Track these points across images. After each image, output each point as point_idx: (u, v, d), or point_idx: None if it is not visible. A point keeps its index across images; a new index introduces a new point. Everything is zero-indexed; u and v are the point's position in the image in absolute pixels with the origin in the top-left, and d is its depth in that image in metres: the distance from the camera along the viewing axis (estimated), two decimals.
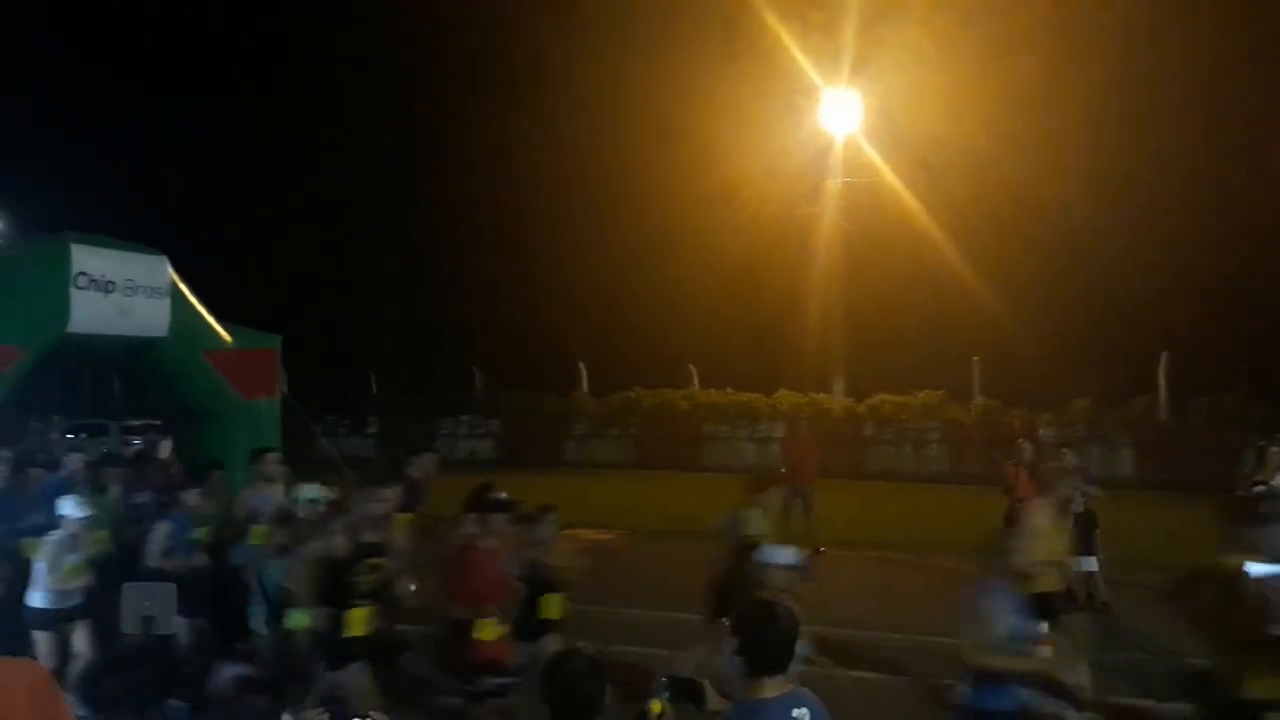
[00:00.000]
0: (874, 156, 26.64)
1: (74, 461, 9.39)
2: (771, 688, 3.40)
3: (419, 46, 37.05)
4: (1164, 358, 21.80)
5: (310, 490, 7.14)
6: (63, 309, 8.02)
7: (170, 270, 9.07)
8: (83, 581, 7.03)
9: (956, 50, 25.60)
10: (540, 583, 6.42)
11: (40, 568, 6.93)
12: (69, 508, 7.06)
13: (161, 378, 9.61)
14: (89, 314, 8.20)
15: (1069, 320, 24.50)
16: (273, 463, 8.44)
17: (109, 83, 39.21)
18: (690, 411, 26.44)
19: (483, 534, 6.30)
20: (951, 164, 25.83)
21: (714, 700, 3.64)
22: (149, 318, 8.79)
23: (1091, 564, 10.44)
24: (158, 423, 19.60)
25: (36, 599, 6.95)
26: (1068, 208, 25.17)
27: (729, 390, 26.55)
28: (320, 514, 6.69)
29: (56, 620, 6.99)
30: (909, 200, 26.63)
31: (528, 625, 6.28)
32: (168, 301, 8.97)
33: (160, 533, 7.46)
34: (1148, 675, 7.84)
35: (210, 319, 9.76)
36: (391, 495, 7.01)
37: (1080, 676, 7.98)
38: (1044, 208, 25.57)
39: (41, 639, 6.94)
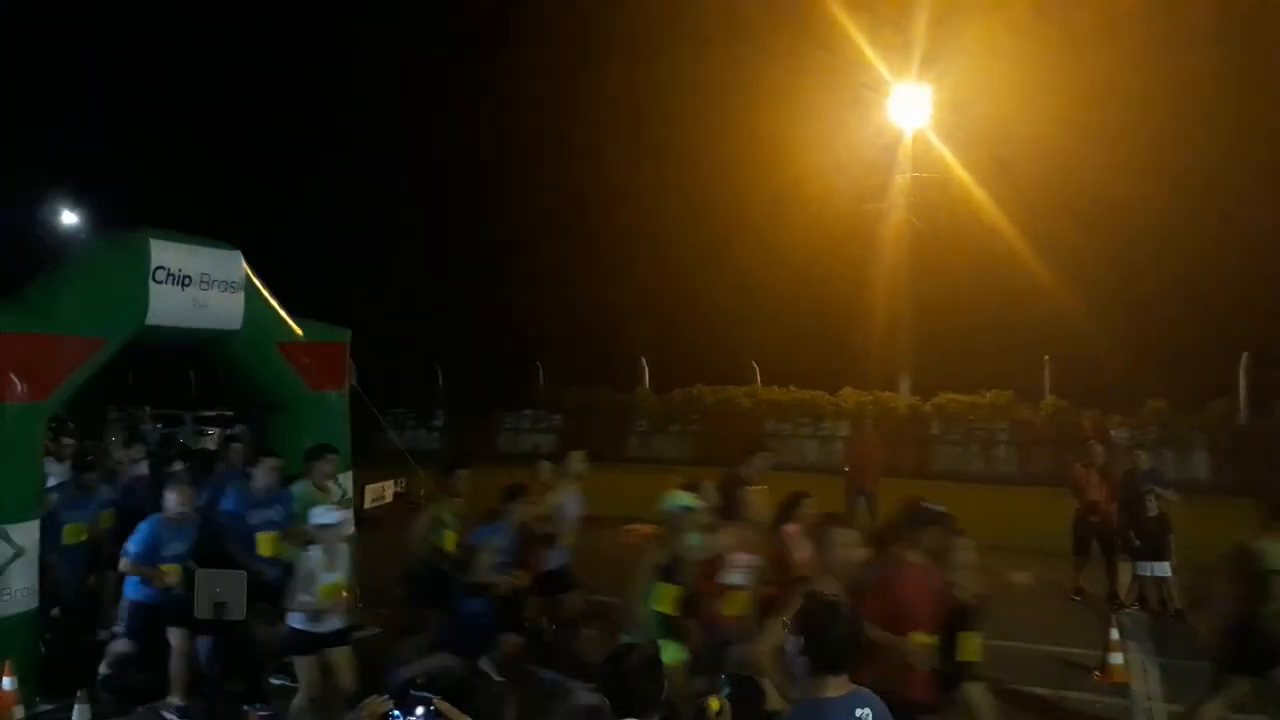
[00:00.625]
0: (944, 151, 26.21)
1: (236, 454, 9.59)
2: (835, 687, 3.37)
3: (487, 41, 37.31)
4: (1244, 358, 21.15)
5: (682, 498, 6.62)
6: (142, 302, 8.23)
7: (244, 265, 9.26)
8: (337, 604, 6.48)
9: (1031, 42, 25.02)
10: (956, 615, 5.58)
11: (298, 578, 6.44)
12: (323, 515, 6.55)
13: (235, 370, 9.81)
14: (166, 307, 8.40)
15: (1145, 319, 23.69)
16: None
17: (181, 78, 40.25)
18: (752, 408, 26.32)
19: (913, 550, 5.37)
20: (1025, 159, 25.28)
21: (774, 699, 3.62)
22: (224, 311, 8.99)
23: (1165, 569, 10.18)
24: (230, 414, 20.04)
25: (295, 619, 6.50)
26: (1146, 203, 24.27)
27: (792, 388, 26.37)
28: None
29: (314, 644, 6.55)
30: (980, 195, 26.13)
31: (942, 666, 5.35)
32: (242, 295, 9.16)
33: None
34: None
35: (282, 313, 9.95)
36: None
37: (1151, 682, 7.80)
38: (1121, 203, 24.72)
39: (302, 664, 6.56)
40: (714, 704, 3.48)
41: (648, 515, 7.01)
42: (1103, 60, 24.87)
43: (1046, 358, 23.80)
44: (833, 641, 3.37)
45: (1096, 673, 8.22)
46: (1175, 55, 24.46)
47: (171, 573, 7.24)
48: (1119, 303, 24.33)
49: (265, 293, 9.70)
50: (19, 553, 7.33)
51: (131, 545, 7.36)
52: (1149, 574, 10.18)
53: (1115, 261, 25.18)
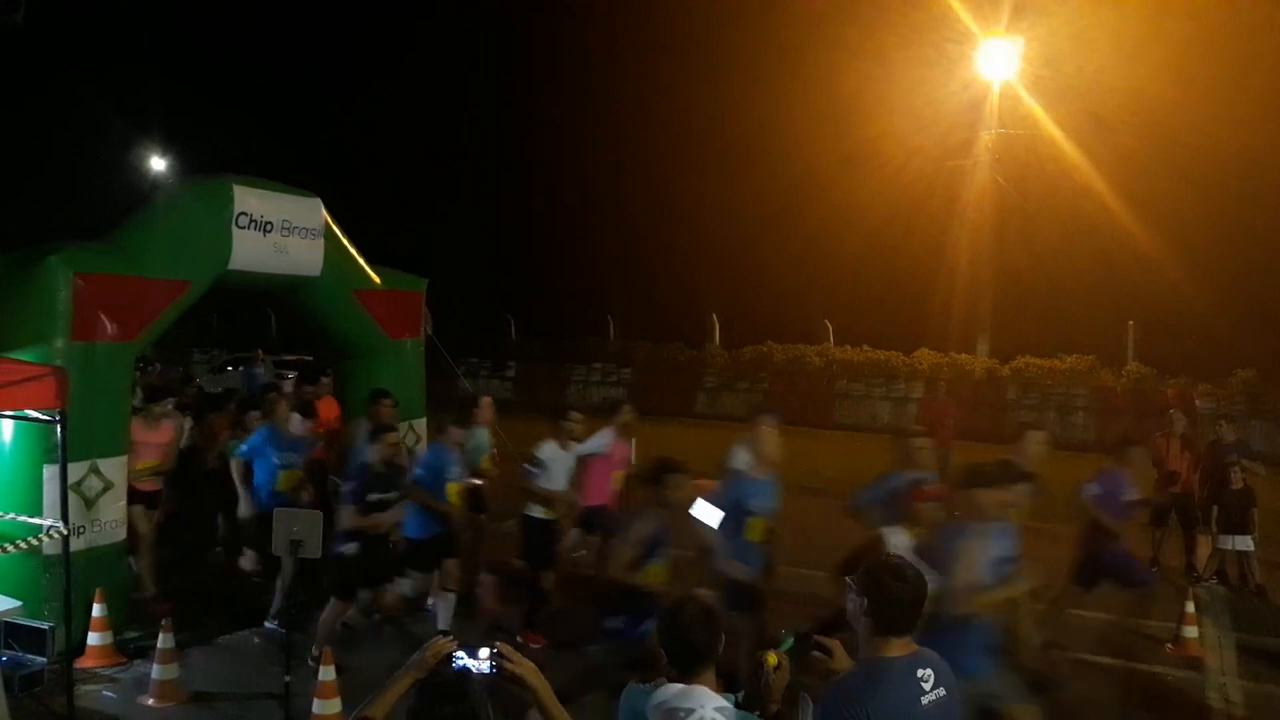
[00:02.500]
0: (1034, 106, 25.31)
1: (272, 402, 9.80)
2: (898, 647, 3.37)
3: (569, 5, 37.02)
4: None
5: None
6: (225, 247, 8.42)
7: (324, 212, 9.41)
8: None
9: None
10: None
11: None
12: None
13: (314, 315, 10.01)
14: (248, 252, 8.58)
15: (1240, 285, 22.73)
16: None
17: (267, 31, 40.78)
18: (823, 368, 26.09)
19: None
20: (1122, 114, 24.27)
21: (841, 659, 3.61)
22: (304, 257, 9.16)
23: (1247, 543, 9.93)
24: (309, 358, 20.47)
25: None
26: (1250, 161, 23.12)
27: (865, 347, 26.06)
28: None
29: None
30: (1071, 153, 25.23)
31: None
32: (321, 242, 9.31)
33: None
34: None
35: (361, 260, 10.11)
36: None
37: (1226, 658, 7.63)
38: (1223, 161, 23.44)
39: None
40: (772, 659, 3.47)
41: (712, 471, 7.01)
42: (1203, 6, 23.63)
43: (1131, 323, 23.12)
44: (896, 602, 3.36)
45: (1169, 645, 8.06)
46: None
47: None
48: (1212, 268, 23.35)
49: (345, 240, 9.85)
50: (108, 486, 7.64)
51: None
52: (1230, 547, 9.92)
53: (1212, 224, 23.96)
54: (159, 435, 8.66)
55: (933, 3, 25.21)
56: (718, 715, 2.98)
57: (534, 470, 8.06)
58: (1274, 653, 7.96)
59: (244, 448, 8.53)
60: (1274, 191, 23.23)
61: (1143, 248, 23.90)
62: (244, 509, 8.46)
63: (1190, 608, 8.19)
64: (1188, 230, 23.61)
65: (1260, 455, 11.16)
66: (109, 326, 7.63)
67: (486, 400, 9.32)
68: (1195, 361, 21.64)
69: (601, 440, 8.80)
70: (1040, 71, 25.08)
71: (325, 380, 10.37)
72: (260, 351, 23.37)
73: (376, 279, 10.26)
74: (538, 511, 8.07)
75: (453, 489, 7.83)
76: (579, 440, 8.39)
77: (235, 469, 8.49)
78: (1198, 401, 20.06)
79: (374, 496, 7.36)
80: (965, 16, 24.98)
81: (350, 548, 7.25)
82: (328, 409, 9.90)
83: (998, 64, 25.01)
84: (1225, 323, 21.51)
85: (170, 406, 9.21)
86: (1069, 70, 24.52)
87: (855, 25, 27.78)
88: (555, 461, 8.11)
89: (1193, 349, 21.76)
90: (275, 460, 8.29)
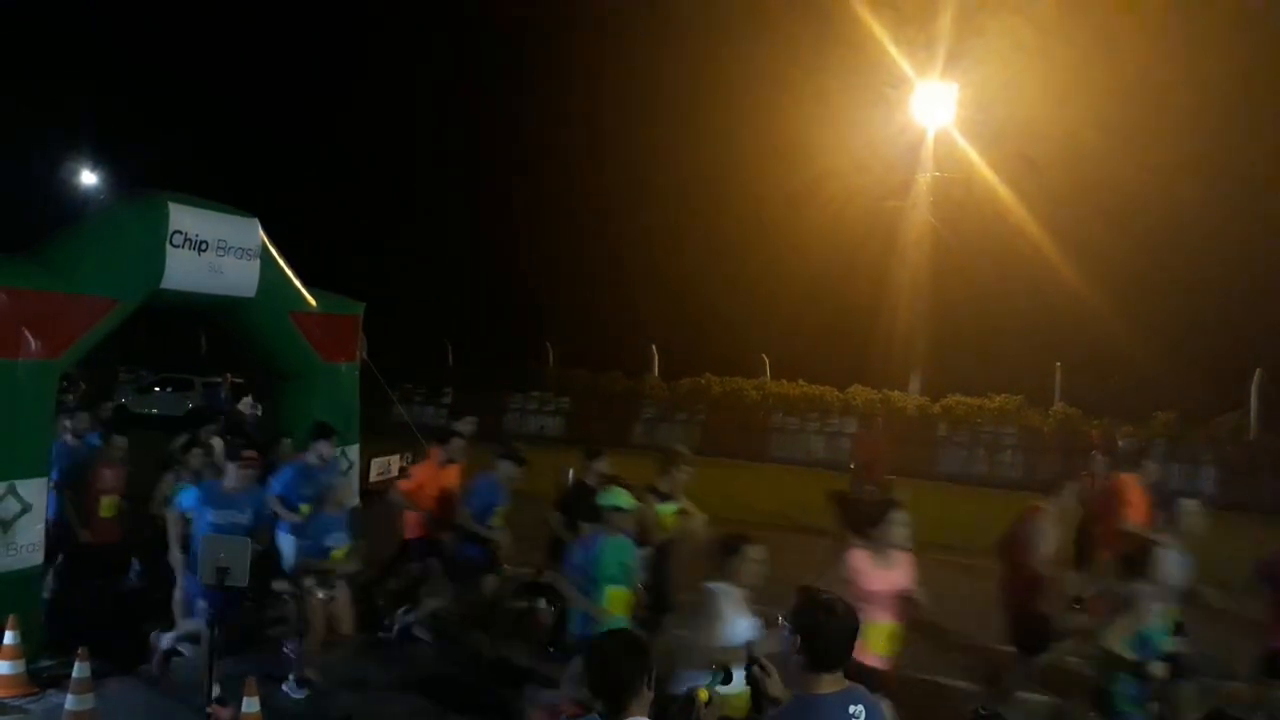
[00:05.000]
0: (968, 150, 26.02)
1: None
2: (829, 684, 3.40)
3: (509, 27, 37.15)
4: (1258, 374, 21.05)
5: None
6: (158, 265, 8.26)
7: (261, 233, 9.28)
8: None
9: (1058, 39, 24.75)
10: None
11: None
12: None
13: (247, 336, 9.86)
14: (182, 271, 8.43)
15: (1162, 329, 23.45)
16: (325, 448, 8.66)
17: (207, 48, 40.26)
18: (759, 401, 26.30)
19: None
20: (1052, 158, 25.01)
21: (777, 687, 3.64)
22: (239, 277, 9.02)
23: None
24: (240, 380, 20.07)
25: None
26: (1175, 207, 23.78)
27: (801, 382, 26.34)
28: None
29: None
30: (1004, 196, 25.96)
31: None
32: (258, 263, 9.19)
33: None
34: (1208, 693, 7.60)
35: (297, 282, 9.98)
36: None
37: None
38: (1149, 206, 24.23)
39: None
40: (703, 694, 3.49)
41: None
42: (1131, 57, 24.49)
43: (1058, 364, 23.69)
44: (828, 639, 3.40)
45: None
46: (1207, 51, 24.02)
47: None
48: (1139, 311, 24.10)
49: (281, 262, 9.73)
50: (26, 508, 7.39)
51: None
52: None
53: (1138, 268, 24.77)
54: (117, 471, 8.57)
55: (872, 47, 25.84)
56: None
57: None
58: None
59: (184, 501, 7.73)
60: (1197, 237, 24.10)
61: (1072, 289, 24.61)
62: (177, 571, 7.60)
63: None
64: (1115, 272, 24.38)
65: (1179, 496, 11.41)
66: (32, 343, 7.42)
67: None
68: (1119, 403, 22.21)
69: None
70: (974, 115, 25.80)
71: (458, 442, 9.03)
72: (229, 375, 22.20)
73: (313, 301, 10.14)
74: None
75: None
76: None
77: (171, 524, 7.65)
78: (1121, 442, 20.59)
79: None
80: (903, 62, 25.65)
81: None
82: (448, 477, 8.83)
83: (933, 109, 25.67)
84: (1149, 365, 22.15)
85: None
86: (1000, 115, 25.25)
87: (797, 67, 28.36)
88: None
89: (1117, 391, 22.33)
90: (211, 519, 7.23)
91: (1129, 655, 5.17)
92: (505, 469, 8.29)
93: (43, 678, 7.21)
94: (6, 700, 6.87)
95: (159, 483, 8.82)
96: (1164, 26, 24.62)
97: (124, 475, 8.72)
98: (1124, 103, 24.33)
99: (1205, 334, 22.98)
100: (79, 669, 6.47)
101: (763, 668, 3.71)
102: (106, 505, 8.53)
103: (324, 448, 8.56)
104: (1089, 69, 24.43)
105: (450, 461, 8.84)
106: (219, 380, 22.78)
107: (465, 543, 8.21)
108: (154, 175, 24.89)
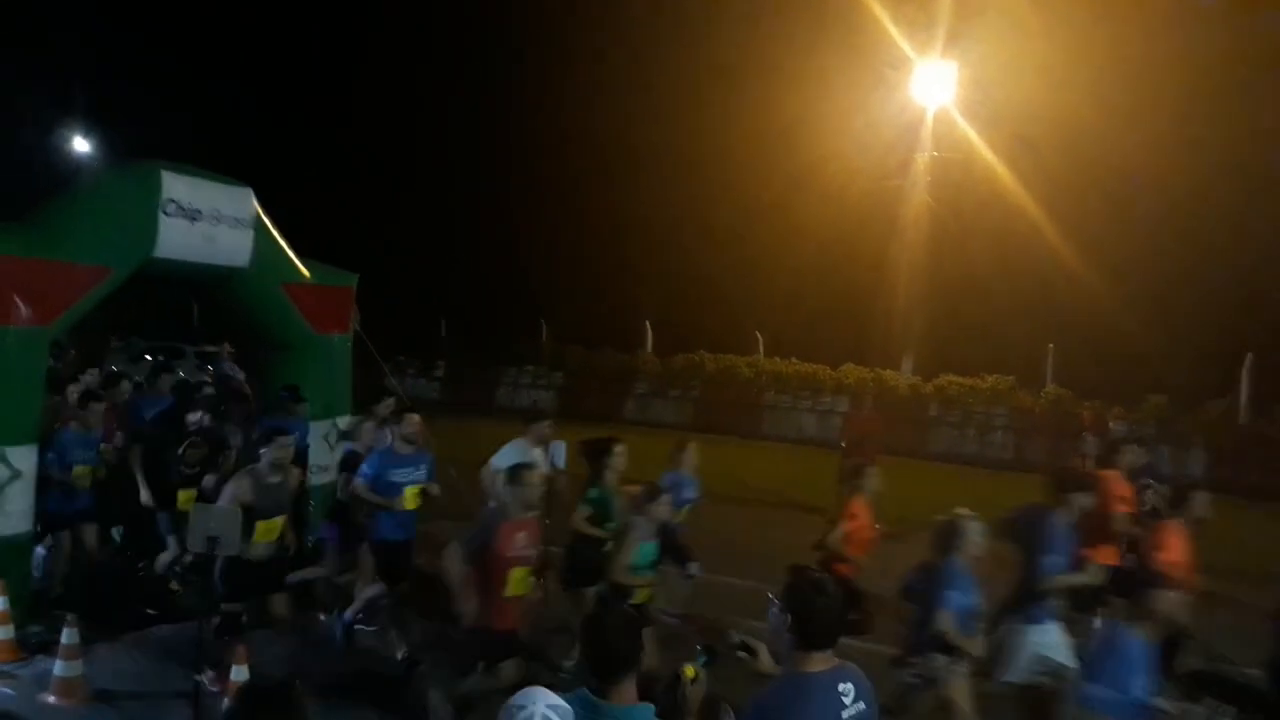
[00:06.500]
0: (968, 131, 25.89)
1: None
2: (819, 662, 3.42)
3: (502, 10, 36.81)
4: (1248, 359, 21.12)
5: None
6: (151, 234, 8.19)
7: (255, 203, 9.21)
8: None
9: (1058, 18, 24.50)
10: None
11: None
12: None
13: (239, 307, 9.79)
14: (175, 240, 8.36)
15: (1158, 311, 23.44)
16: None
17: (203, 18, 39.87)
18: (753, 378, 26.34)
19: None
20: (1050, 139, 24.87)
21: (766, 663, 3.66)
22: (232, 247, 8.95)
23: None
24: (232, 350, 19.94)
25: None
26: (1170, 189, 23.71)
27: (794, 360, 26.37)
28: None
29: None
30: (1002, 176, 25.82)
31: None
32: (251, 233, 9.11)
33: None
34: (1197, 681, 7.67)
35: (290, 253, 9.91)
36: None
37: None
38: (1147, 189, 24.17)
39: None
40: (689, 671, 3.51)
41: (645, 478, 7.05)
42: (1132, 36, 24.19)
43: (1050, 346, 23.74)
44: (818, 618, 3.41)
45: None
46: (1208, 31, 23.75)
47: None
48: (1133, 295, 24.06)
49: (274, 232, 9.65)
50: (16, 475, 7.37)
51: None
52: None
53: (1134, 251, 24.61)
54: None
55: (872, 27, 25.63)
56: (550, 713, 2.95)
57: None
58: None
59: (367, 468, 7.93)
60: (1193, 220, 24.05)
61: (1068, 270, 24.56)
62: (145, 497, 8.56)
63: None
64: (1110, 254, 24.28)
65: (1168, 479, 11.48)
66: (23, 310, 7.37)
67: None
68: (1111, 385, 22.28)
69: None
70: (973, 95, 25.64)
71: (1128, 449, 8.76)
72: (227, 345, 22.09)
73: (306, 272, 10.07)
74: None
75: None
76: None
77: (133, 457, 8.65)
78: (1111, 424, 20.66)
79: None
80: (902, 42, 25.46)
81: None
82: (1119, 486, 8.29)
83: (933, 88, 25.52)
84: (1142, 348, 22.19)
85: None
86: (1000, 95, 25.09)
87: (797, 47, 28.18)
88: None
89: (1110, 372, 22.38)
90: (394, 479, 7.72)
91: None
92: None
93: (31, 644, 7.22)
94: None
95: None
96: (1165, 6, 24.45)
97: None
98: (1123, 83, 24.13)
99: (1199, 317, 23.00)
100: (68, 635, 6.49)
101: (749, 648, 3.73)
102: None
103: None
104: (1089, 49, 24.23)
105: None
106: (216, 349, 22.59)
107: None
108: (149, 145, 24.68)
